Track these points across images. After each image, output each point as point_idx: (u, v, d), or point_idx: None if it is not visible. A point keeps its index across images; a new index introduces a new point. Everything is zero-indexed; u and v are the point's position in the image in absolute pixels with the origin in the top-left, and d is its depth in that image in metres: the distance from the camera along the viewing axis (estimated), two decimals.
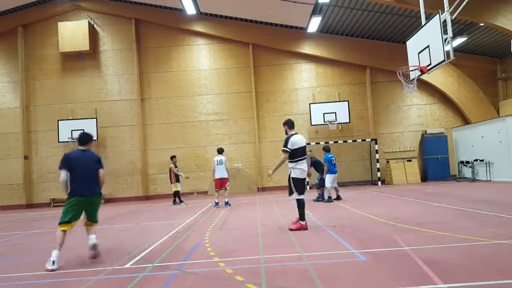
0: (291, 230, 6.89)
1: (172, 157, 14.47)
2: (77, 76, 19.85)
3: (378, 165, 18.55)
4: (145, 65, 19.92)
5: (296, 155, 6.92)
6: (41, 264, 5.52)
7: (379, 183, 18.35)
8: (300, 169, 6.94)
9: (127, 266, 5.04)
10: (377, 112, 19.67)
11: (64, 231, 5.31)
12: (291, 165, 7.01)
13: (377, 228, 6.70)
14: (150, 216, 11.25)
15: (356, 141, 19.07)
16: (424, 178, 19.01)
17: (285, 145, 6.97)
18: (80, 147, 5.87)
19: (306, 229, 6.85)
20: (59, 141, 18.94)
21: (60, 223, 5.37)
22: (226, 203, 12.44)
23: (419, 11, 11.18)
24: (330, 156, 11.68)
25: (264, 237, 6.49)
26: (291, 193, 7.03)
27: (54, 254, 5.14)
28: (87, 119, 19.12)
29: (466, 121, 19.11)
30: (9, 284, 4.61)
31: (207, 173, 19.16)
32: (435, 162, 18.76)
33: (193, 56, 20.08)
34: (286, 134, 7.21)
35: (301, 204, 6.96)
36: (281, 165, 7.18)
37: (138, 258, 5.44)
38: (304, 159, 7.04)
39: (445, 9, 9.64)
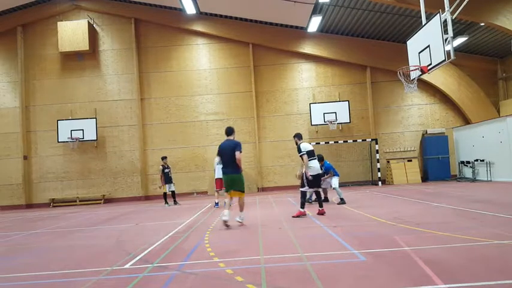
0: (293, 217, 8.55)
1: (163, 158, 14.42)
2: (76, 76, 19.84)
3: (378, 165, 18.55)
4: (145, 64, 19.92)
5: (308, 156, 8.66)
6: (41, 264, 5.52)
7: (380, 183, 18.35)
8: (313, 167, 8.67)
9: (127, 266, 5.03)
10: (377, 112, 19.66)
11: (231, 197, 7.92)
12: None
13: (377, 228, 6.69)
14: (150, 216, 11.25)
15: (356, 141, 19.07)
16: (425, 178, 19.00)
17: (299, 151, 8.74)
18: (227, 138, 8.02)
19: (305, 215, 8.60)
20: (58, 141, 18.93)
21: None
22: (216, 204, 12.38)
23: (420, 11, 11.18)
24: (328, 162, 11.74)
25: (264, 237, 6.48)
26: (302, 185, 8.74)
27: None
28: (86, 119, 19.12)
29: (466, 121, 19.10)
30: (9, 284, 4.60)
31: (207, 173, 19.15)
32: (436, 162, 18.75)
33: (193, 56, 20.07)
34: (296, 144, 9.03)
35: (305, 195, 8.73)
36: (306, 166, 8.64)
37: (138, 258, 5.43)
38: (314, 159, 8.83)
39: (446, 9, 9.64)
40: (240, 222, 7.83)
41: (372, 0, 15.21)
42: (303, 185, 8.76)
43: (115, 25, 20.10)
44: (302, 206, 8.57)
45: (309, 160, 8.66)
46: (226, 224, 7.50)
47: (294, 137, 9.30)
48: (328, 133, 19.19)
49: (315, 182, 8.65)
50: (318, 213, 8.71)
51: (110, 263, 5.20)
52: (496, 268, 3.97)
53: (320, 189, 9.07)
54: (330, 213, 9.07)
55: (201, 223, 8.78)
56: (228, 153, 7.75)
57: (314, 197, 11.69)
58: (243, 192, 7.94)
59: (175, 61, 20.00)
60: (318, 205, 8.89)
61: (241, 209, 7.98)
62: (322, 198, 11.87)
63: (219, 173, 12.14)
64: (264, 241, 6.11)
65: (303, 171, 8.65)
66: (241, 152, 7.79)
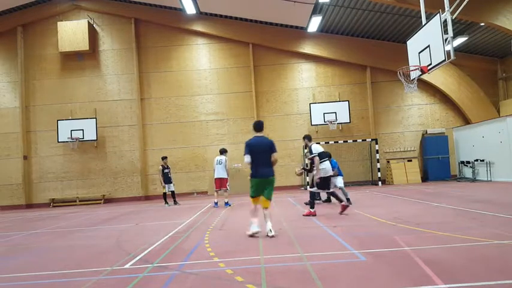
0: (303, 215, 8.61)
1: (163, 158, 14.45)
2: (76, 76, 19.84)
3: (378, 165, 18.55)
4: (145, 64, 19.91)
5: (319, 158, 8.65)
6: (41, 264, 5.52)
7: (380, 183, 18.35)
8: (323, 169, 8.68)
9: (127, 266, 5.03)
10: (377, 112, 19.65)
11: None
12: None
13: (377, 228, 6.69)
14: (150, 216, 11.24)
15: (356, 141, 19.07)
16: (425, 178, 19.00)
17: (311, 152, 8.71)
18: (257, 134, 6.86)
19: (315, 215, 8.49)
20: (58, 141, 18.93)
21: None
22: (226, 204, 12.43)
23: (420, 11, 11.18)
24: (334, 161, 11.74)
25: (264, 237, 6.48)
26: (312, 186, 8.79)
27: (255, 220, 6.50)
28: (86, 119, 19.11)
29: (466, 121, 19.10)
30: (9, 284, 4.59)
31: (207, 173, 19.15)
32: (436, 162, 18.75)
33: (193, 56, 20.07)
34: (306, 146, 9.05)
35: (315, 196, 8.72)
36: (318, 168, 8.59)
37: (138, 258, 5.43)
38: (326, 160, 8.85)
39: (446, 9, 9.64)
40: (273, 235, 6.33)
41: (372, 0, 15.21)
42: (312, 185, 8.81)
43: (115, 25, 20.10)
44: (312, 206, 8.62)
45: (320, 162, 8.67)
46: (255, 236, 6.42)
47: (304, 138, 9.26)
48: (328, 133, 19.19)
49: (325, 184, 8.70)
50: (341, 212, 8.58)
51: (110, 263, 5.20)
52: (496, 268, 3.97)
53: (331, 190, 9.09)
54: (330, 213, 9.06)
55: (201, 223, 8.78)
56: (264, 152, 6.54)
57: (324, 197, 11.73)
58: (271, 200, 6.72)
59: (175, 61, 20.00)
60: (325, 204, 8.99)
61: (269, 219, 6.63)
62: (326, 198, 11.99)
63: (218, 173, 12.26)
64: (264, 241, 6.11)
65: (301, 171, 8.69)
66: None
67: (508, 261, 4.17)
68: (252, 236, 6.41)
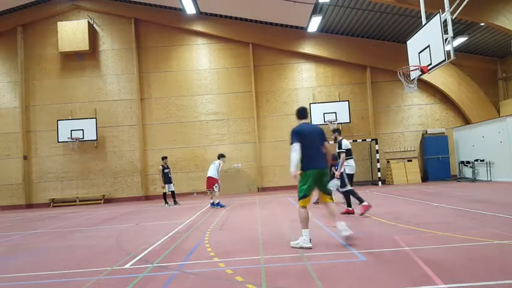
0: (342, 213, 8.30)
1: (163, 158, 14.47)
2: (76, 76, 19.84)
3: (378, 165, 18.55)
4: (145, 64, 19.92)
5: (346, 154, 8.50)
6: (41, 264, 5.52)
7: (380, 183, 18.35)
8: (351, 166, 8.56)
9: (127, 266, 5.03)
10: (377, 112, 19.65)
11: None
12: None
13: (377, 228, 6.69)
14: (150, 216, 11.24)
15: (356, 141, 19.05)
16: (425, 178, 19.00)
17: (340, 147, 8.52)
18: (304, 121, 5.80)
19: (353, 213, 8.34)
20: (58, 141, 18.93)
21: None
22: (212, 204, 12.46)
23: (420, 11, 11.17)
24: None
25: (264, 237, 6.48)
26: (343, 186, 8.42)
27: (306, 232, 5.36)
28: (86, 119, 19.11)
29: (466, 121, 19.10)
30: (9, 284, 4.59)
31: (207, 173, 19.13)
32: (436, 162, 18.75)
33: (193, 56, 20.07)
34: (336, 140, 8.83)
35: (352, 193, 8.32)
36: (342, 164, 8.40)
37: (138, 258, 5.43)
38: (352, 158, 8.67)
39: (446, 9, 9.64)
40: (349, 234, 5.45)
41: (372, 0, 15.21)
42: (344, 185, 8.43)
43: (115, 25, 20.10)
44: (360, 201, 8.20)
45: (348, 159, 8.52)
46: (348, 237, 5.43)
47: (334, 132, 9.08)
48: (328, 133, 19.11)
49: (350, 181, 8.47)
50: (344, 213, 8.43)
51: (110, 263, 5.20)
52: (496, 268, 3.97)
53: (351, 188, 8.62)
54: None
55: (201, 223, 8.78)
56: (317, 141, 5.53)
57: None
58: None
59: (175, 61, 20.00)
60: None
61: (336, 217, 5.63)
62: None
63: (208, 172, 12.48)
64: (264, 241, 6.11)
65: (340, 170, 8.35)
66: None
67: (508, 261, 4.17)
68: (347, 238, 5.42)
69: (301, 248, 5.29)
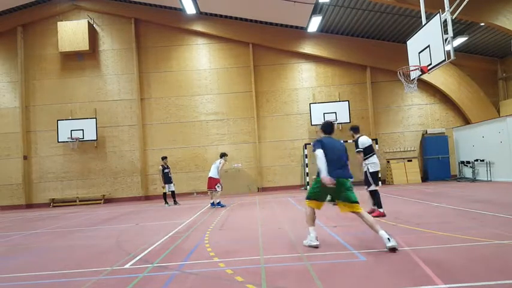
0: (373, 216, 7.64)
1: (163, 158, 14.49)
2: (76, 76, 19.84)
3: None
4: (145, 64, 19.92)
5: (366, 152, 8.07)
6: (41, 264, 5.52)
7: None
8: (374, 163, 8.07)
9: (127, 266, 5.03)
10: (377, 112, 19.66)
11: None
12: (365, 161, 8.08)
13: None
14: (150, 216, 11.25)
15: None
16: (425, 178, 18.99)
17: (357, 146, 8.13)
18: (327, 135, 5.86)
19: (384, 216, 7.73)
20: (58, 141, 18.93)
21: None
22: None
23: (420, 11, 11.17)
24: None
25: (264, 237, 6.48)
26: (369, 185, 8.03)
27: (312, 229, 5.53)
28: (86, 119, 19.12)
29: (466, 121, 19.10)
30: (9, 284, 4.60)
31: (207, 173, 19.05)
32: (436, 162, 18.75)
33: (193, 56, 20.07)
34: (353, 137, 8.39)
35: (377, 194, 7.94)
36: (361, 164, 8.13)
37: (138, 258, 5.43)
38: (373, 154, 8.14)
39: (446, 9, 9.64)
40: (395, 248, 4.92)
41: (372, 0, 15.21)
42: (370, 184, 8.02)
43: (115, 25, 20.10)
44: (379, 206, 7.92)
45: (369, 156, 8.03)
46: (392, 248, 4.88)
47: (350, 129, 8.61)
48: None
49: (375, 179, 8.03)
50: (376, 215, 7.71)
51: (110, 263, 5.20)
52: (496, 268, 3.97)
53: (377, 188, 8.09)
54: (329, 213, 9.06)
55: (201, 223, 8.78)
56: (341, 152, 5.64)
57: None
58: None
59: (175, 61, 20.00)
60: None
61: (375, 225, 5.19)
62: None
63: (210, 172, 12.49)
64: (264, 241, 6.11)
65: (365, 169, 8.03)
66: None
67: (508, 261, 4.17)
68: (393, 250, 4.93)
69: (310, 246, 5.41)
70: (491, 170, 16.41)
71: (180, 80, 19.87)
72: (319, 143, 5.52)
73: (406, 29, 17.59)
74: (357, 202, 5.31)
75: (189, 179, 19.42)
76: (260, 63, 19.84)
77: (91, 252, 6.20)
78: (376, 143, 18.71)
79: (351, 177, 5.57)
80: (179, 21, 19.78)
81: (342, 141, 6.03)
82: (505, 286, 3.40)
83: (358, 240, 5.63)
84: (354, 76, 19.77)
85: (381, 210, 7.89)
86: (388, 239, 4.85)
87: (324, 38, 19.52)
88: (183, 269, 4.71)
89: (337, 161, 5.48)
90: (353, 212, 5.32)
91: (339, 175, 5.38)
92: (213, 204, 12.42)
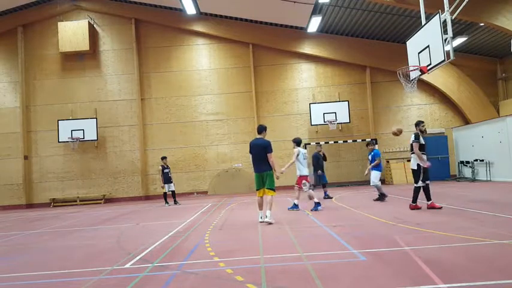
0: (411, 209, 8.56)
1: (163, 158, 14.47)
2: (76, 76, 19.85)
3: None
4: (145, 65, 19.93)
5: (420, 148, 8.63)
6: (40, 264, 5.53)
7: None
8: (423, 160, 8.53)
9: (127, 266, 5.03)
10: (377, 112, 19.66)
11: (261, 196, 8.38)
12: (414, 156, 8.61)
13: (377, 228, 6.70)
14: (150, 216, 11.25)
15: (356, 141, 19.07)
16: None
17: (417, 139, 8.59)
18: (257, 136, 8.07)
19: (420, 208, 8.54)
20: (58, 141, 18.95)
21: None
22: (294, 206, 10.04)
23: (420, 11, 11.18)
24: (377, 149, 11.68)
25: (264, 237, 6.49)
26: (416, 182, 8.56)
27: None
28: (87, 119, 19.13)
29: (466, 121, 19.11)
30: (9, 284, 4.60)
31: (207, 173, 19.21)
32: (435, 162, 18.68)
33: (193, 56, 20.08)
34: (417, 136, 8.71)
35: (425, 189, 8.48)
36: (421, 158, 8.55)
37: (138, 258, 5.43)
38: (424, 153, 8.73)
39: (445, 9, 9.64)
40: (265, 222, 7.94)
41: (372, 0, 15.22)
42: (417, 180, 8.56)
43: (115, 25, 20.11)
44: (414, 201, 8.61)
45: (423, 153, 8.63)
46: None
47: (416, 125, 9.09)
48: (328, 133, 19.19)
49: (426, 175, 8.54)
50: (429, 207, 8.56)
51: (110, 263, 5.20)
52: (496, 268, 3.97)
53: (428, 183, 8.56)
54: (330, 213, 9.07)
55: (201, 223, 8.79)
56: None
57: (379, 191, 11.10)
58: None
59: (175, 61, 20.01)
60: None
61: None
62: (327, 195, 12.16)
63: (298, 169, 10.17)
64: (264, 241, 6.12)
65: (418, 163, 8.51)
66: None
67: (508, 261, 4.18)
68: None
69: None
70: (491, 170, 16.41)
71: (180, 80, 19.88)
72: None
73: (405, 29, 17.60)
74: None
75: (189, 179, 19.43)
76: (260, 63, 19.85)
77: (91, 252, 6.21)
78: (376, 143, 18.70)
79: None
80: (179, 21, 19.79)
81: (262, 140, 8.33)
82: (505, 286, 3.41)
83: (358, 240, 5.64)
84: (354, 76, 19.78)
85: (415, 203, 8.57)
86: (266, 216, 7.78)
87: (323, 38, 19.52)
88: (183, 268, 4.71)
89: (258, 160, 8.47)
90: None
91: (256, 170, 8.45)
92: (294, 206, 10.01)
